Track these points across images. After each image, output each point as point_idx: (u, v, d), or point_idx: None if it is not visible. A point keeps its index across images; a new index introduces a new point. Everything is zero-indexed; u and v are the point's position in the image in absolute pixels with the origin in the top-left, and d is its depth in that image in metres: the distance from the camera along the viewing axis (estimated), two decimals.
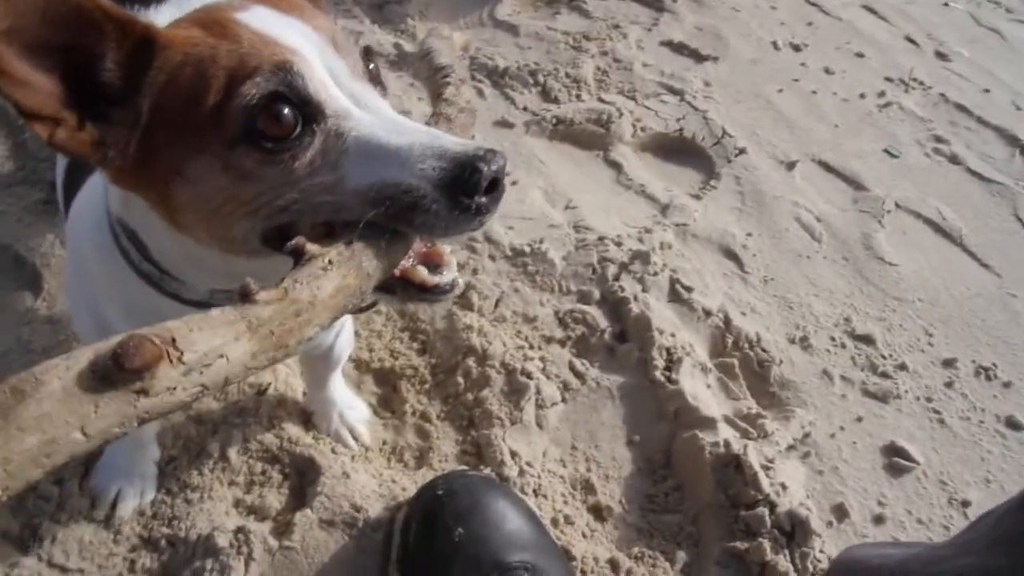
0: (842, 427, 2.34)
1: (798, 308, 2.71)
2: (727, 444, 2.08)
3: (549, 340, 2.39)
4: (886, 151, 3.62)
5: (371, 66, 1.21)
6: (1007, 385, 2.57)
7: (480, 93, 3.42)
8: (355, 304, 0.96)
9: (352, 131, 1.07)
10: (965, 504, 2.20)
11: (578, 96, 3.50)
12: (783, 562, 1.90)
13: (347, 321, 1.89)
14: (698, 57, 4.02)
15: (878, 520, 2.13)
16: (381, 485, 1.96)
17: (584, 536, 1.98)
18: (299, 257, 0.94)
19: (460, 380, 2.23)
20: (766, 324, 2.61)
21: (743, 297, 2.70)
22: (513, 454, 2.07)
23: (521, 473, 2.04)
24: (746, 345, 2.47)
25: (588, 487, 2.09)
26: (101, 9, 1.01)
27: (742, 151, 3.36)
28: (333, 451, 2.03)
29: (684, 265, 2.72)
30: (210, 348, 0.77)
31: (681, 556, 1.96)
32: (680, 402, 2.21)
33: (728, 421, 2.22)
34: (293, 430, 2.05)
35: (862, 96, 3.99)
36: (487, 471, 2.01)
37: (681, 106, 3.58)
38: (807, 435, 2.27)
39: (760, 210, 3.11)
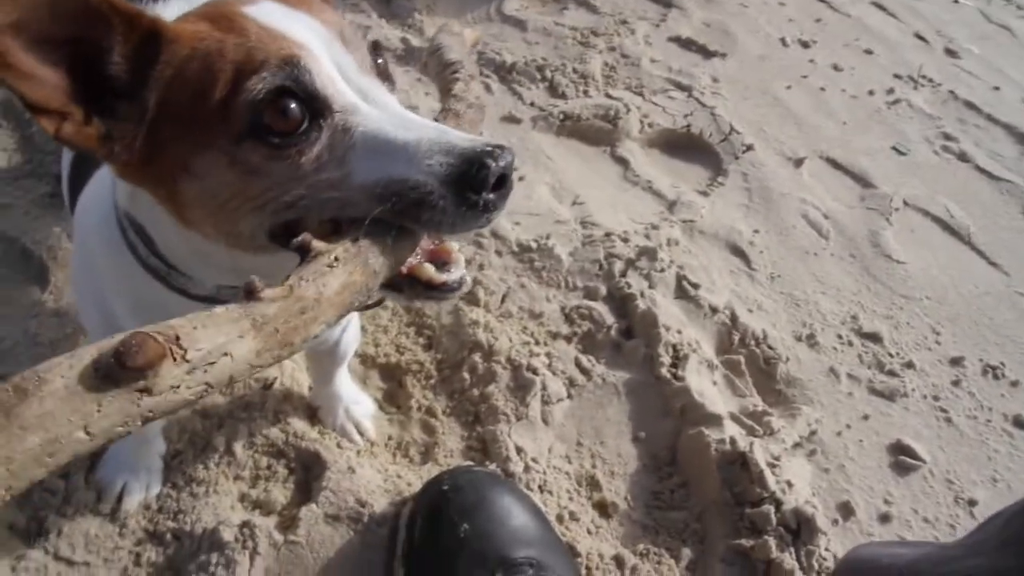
0: (848, 425, 2.33)
1: (805, 305, 2.70)
2: (733, 441, 2.08)
3: (555, 336, 2.38)
4: (894, 148, 3.61)
5: (379, 61, 1.21)
6: (1015, 384, 2.56)
7: (487, 88, 3.41)
8: (361, 301, 0.96)
9: (359, 126, 1.06)
10: (972, 503, 2.19)
11: (585, 92, 3.49)
12: (789, 560, 1.90)
13: (353, 316, 1.89)
14: (706, 53, 4.01)
15: (884, 518, 2.12)
16: (386, 480, 1.96)
17: (589, 532, 1.98)
18: (305, 254, 0.93)
19: (466, 376, 2.22)
20: (773, 321, 2.60)
21: (750, 294, 2.69)
22: (519, 450, 2.07)
23: (526, 469, 2.04)
24: (752, 342, 2.47)
25: (593, 483, 2.08)
26: (108, 3, 1.00)
27: (750, 148, 3.35)
28: (338, 446, 2.03)
29: (691, 262, 2.71)
30: (214, 346, 0.77)
31: (686, 553, 1.96)
32: (686, 399, 2.21)
33: (734, 418, 2.21)
34: (299, 425, 2.05)
35: (871, 93, 3.98)
36: (492, 467, 2.01)
37: (689, 102, 3.57)
38: (813, 433, 2.27)
39: (767, 207, 3.10)
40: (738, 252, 2.86)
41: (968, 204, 3.36)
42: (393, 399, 2.22)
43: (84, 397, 0.68)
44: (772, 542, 1.92)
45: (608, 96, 3.49)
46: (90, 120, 1.04)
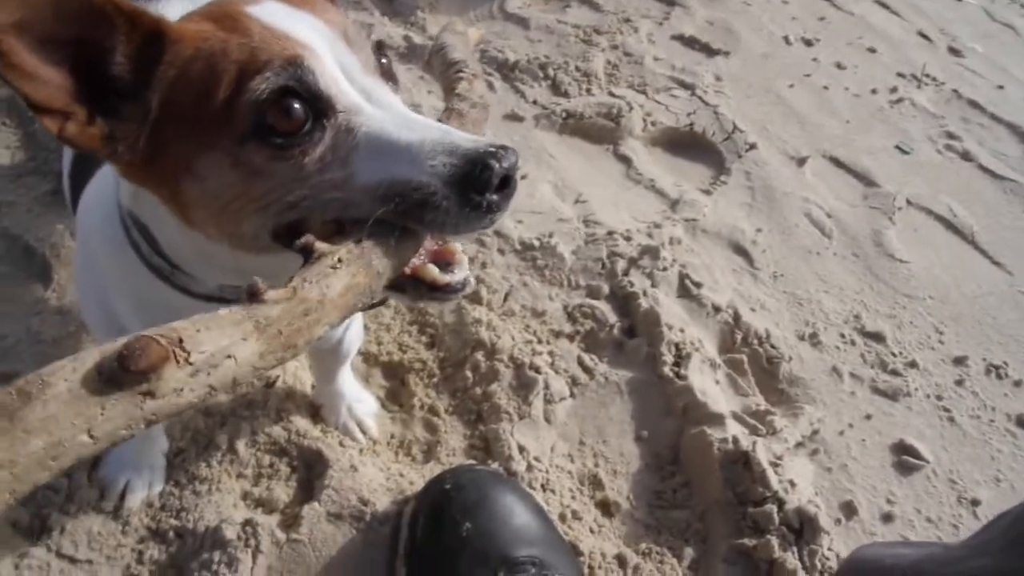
0: (851, 424, 2.33)
1: (808, 305, 2.70)
2: (735, 441, 2.08)
3: (558, 335, 2.38)
4: (897, 147, 3.60)
5: (383, 61, 1.21)
6: (1018, 384, 2.55)
7: (490, 86, 3.40)
8: (365, 303, 0.96)
9: (363, 127, 1.06)
10: (975, 503, 2.19)
11: (588, 90, 3.49)
12: (791, 559, 1.90)
13: (356, 315, 1.89)
14: (709, 51, 4.00)
15: (887, 518, 2.12)
16: (389, 479, 1.96)
17: (592, 531, 1.98)
18: (308, 255, 0.93)
19: (468, 374, 2.22)
20: (775, 320, 2.60)
21: (752, 293, 2.69)
22: (521, 449, 2.07)
23: (529, 468, 2.04)
24: (755, 341, 2.46)
25: (596, 482, 2.08)
26: (112, 3, 1.00)
27: (752, 146, 3.35)
28: (341, 444, 2.03)
29: (693, 260, 2.71)
30: (217, 348, 0.77)
31: (689, 552, 1.96)
32: (689, 398, 2.21)
33: (737, 418, 2.21)
34: (301, 423, 2.05)
35: (874, 92, 3.97)
36: (495, 465, 2.01)
37: (692, 101, 3.56)
38: (816, 432, 2.27)
39: (770, 206, 3.09)
40: (741, 251, 2.86)
41: (971, 203, 3.35)
42: (396, 397, 2.22)
43: (87, 400, 0.68)
44: (775, 542, 1.92)
45: (611, 94, 3.48)
46: (93, 120, 1.04)
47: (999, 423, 2.42)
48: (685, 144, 3.39)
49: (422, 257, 1.11)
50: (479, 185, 0.99)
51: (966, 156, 3.63)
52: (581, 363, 2.32)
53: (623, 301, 2.48)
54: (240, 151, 1.04)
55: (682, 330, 2.38)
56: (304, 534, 1.81)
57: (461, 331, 2.32)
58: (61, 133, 1.01)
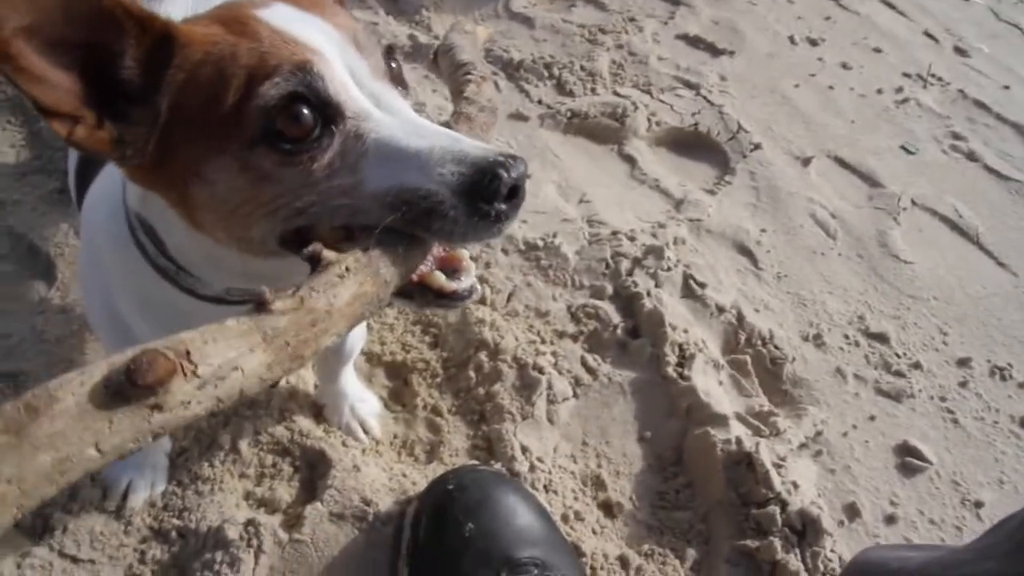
0: (855, 426, 2.32)
1: (812, 305, 2.69)
2: (739, 441, 2.08)
3: (561, 335, 2.38)
4: (903, 148, 3.59)
5: (393, 65, 1.20)
6: (1022, 385, 2.55)
7: (495, 86, 3.40)
8: (372, 311, 0.96)
9: (372, 133, 1.06)
10: (978, 505, 2.18)
11: (593, 89, 3.48)
12: (794, 561, 1.90)
13: None
14: (714, 51, 3.99)
15: (890, 520, 2.12)
16: (391, 479, 1.96)
17: (594, 532, 1.98)
18: (316, 264, 0.93)
19: (472, 374, 2.22)
20: (779, 321, 2.59)
21: (757, 294, 2.68)
22: (524, 449, 2.06)
23: (532, 468, 2.03)
24: (759, 342, 2.46)
25: (599, 483, 2.08)
26: (121, 6, 1.00)
27: (757, 146, 3.34)
28: (344, 444, 2.03)
29: (697, 261, 2.70)
30: (225, 360, 0.76)
31: (691, 554, 1.95)
32: (692, 399, 2.21)
33: (740, 418, 2.21)
34: (304, 423, 2.05)
35: (879, 92, 3.96)
36: (498, 466, 2.01)
37: (696, 100, 3.56)
38: (819, 433, 2.26)
39: (775, 206, 3.09)
40: (745, 251, 2.85)
41: (976, 204, 3.34)
42: (399, 397, 2.22)
43: (95, 415, 0.68)
44: (777, 543, 1.91)
45: (616, 94, 3.48)
46: (102, 124, 1.04)
47: (1003, 425, 2.41)
48: (690, 144, 3.39)
49: (429, 264, 1.11)
50: (488, 194, 0.99)
51: (971, 156, 3.62)
52: (584, 363, 2.31)
53: (627, 301, 2.48)
54: (249, 156, 1.04)
55: (686, 331, 2.38)
56: (306, 534, 1.81)
57: (464, 331, 2.31)
58: (70, 137, 1.01)
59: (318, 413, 2.11)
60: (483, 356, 2.24)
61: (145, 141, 1.07)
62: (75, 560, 1.77)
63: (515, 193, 1.01)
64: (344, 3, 1.33)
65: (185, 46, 1.06)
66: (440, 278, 1.11)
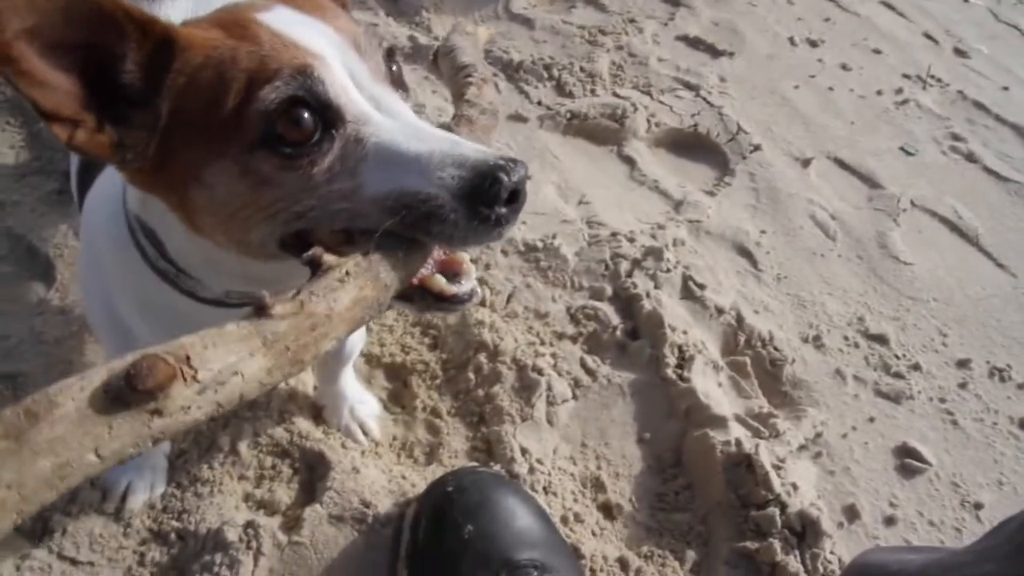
0: (854, 427, 2.32)
1: (811, 307, 2.69)
2: (738, 443, 2.08)
3: (561, 336, 2.38)
4: (902, 149, 3.60)
5: (393, 68, 1.20)
6: (1021, 387, 2.55)
7: (495, 87, 3.40)
8: (372, 316, 0.96)
9: (372, 137, 1.06)
10: (978, 506, 2.18)
11: (593, 91, 3.48)
12: (793, 563, 1.90)
13: None
14: (714, 52, 3.99)
15: (889, 521, 2.12)
16: (391, 481, 1.96)
17: (594, 534, 1.98)
18: (316, 268, 0.93)
19: (471, 376, 2.22)
20: (779, 322, 2.59)
21: (756, 295, 2.68)
22: (523, 451, 2.06)
23: (531, 470, 2.03)
24: (758, 343, 2.46)
25: (598, 485, 2.08)
26: (122, 9, 1.00)
27: (757, 148, 3.34)
28: (343, 446, 2.03)
29: (697, 262, 2.70)
30: (224, 365, 0.76)
31: (691, 555, 1.95)
32: (691, 400, 2.21)
33: (739, 420, 2.21)
34: (303, 424, 2.05)
35: (879, 93, 3.96)
36: (497, 468, 2.01)
37: (696, 102, 3.56)
38: (819, 435, 2.26)
39: (774, 207, 3.09)
40: (744, 253, 2.85)
41: (976, 205, 3.34)
42: (398, 399, 2.22)
43: (95, 420, 0.68)
44: (777, 545, 1.91)
45: (615, 95, 3.48)
46: (102, 127, 1.04)
47: (1002, 426, 2.41)
48: (689, 145, 3.39)
49: (429, 267, 1.11)
50: (488, 198, 0.99)
51: (971, 158, 3.62)
52: (584, 365, 2.31)
53: (626, 303, 2.48)
54: (249, 160, 1.04)
55: (685, 332, 2.38)
56: (306, 536, 1.81)
57: (464, 333, 2.31)
58: (70, 141, 1.01)
59: (317, 415, 2.11)
60: (482, 358, 2.24)
61: (145, 145, 1.07)
62: (74, 562, 1.77)
63: (515, 197, 1.01)
64: (347, 6, 1.33)
65: (186, 50, 1.06)
66: (440, 281, 1.11)
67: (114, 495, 1.87)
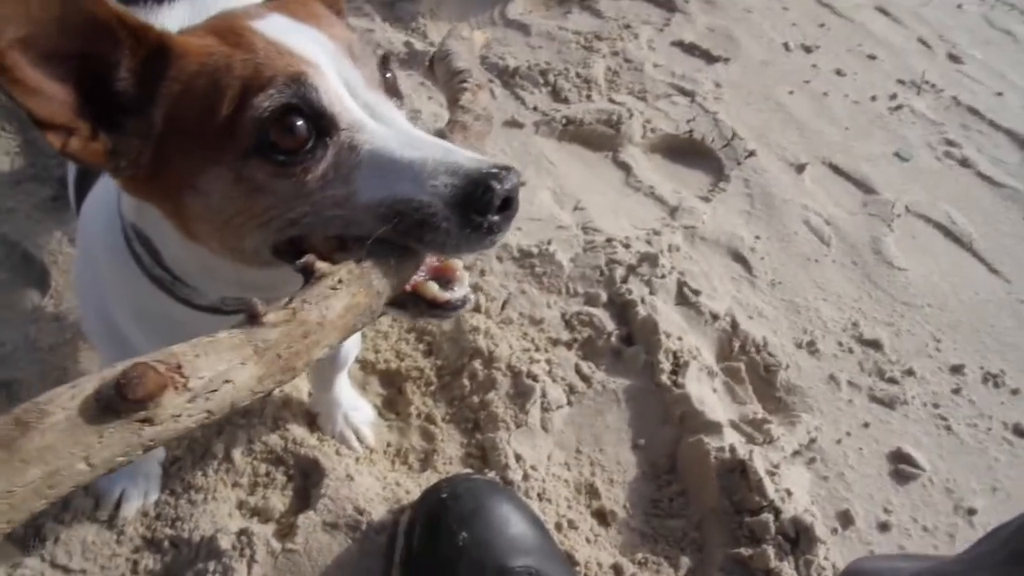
0: (848, 433, 2.33)
1: (806, 312, 2.70)
2: (732, 449, 2.08)
3: (555, 342, 2.38)
4: (896, 154, 3.60)
5: (388, 75, 1.21)
6: (1015, 392, 2.55)
7: (490, 93, 3.40)
8: (365, 323, 0.96)
9: (366, 144, 1.06)
10: (971, 512, 2.19)
11: (588, 96, 3.49)
12: (787, 569, 1.90)
13: None
14: (709, 58, 4.00)
15: (883, 527, 2.12)
16: (385, 488, 1.96)
17: (588, 541, 1.98)
18: (308, 275, 0.93)
19: (466, 382, 2.22)
20: (773, 328, 2.60)
21: (751, 301, 2.69)
22: (518, 457, 2.06)
23: (525, 477, 2.04)
24: (753, 349, 2.46)
25: (592, 491, 2.08)
26: (117, 17, 1.00)
27: (752, 153, 3.35)
28: (337, 453, 2.03)
29: (692, 268, 2.71)
30: (216, 374, 0.77)
31: (685, 562, 1.95)
32: (686, 406, 2.21)
33: (734, 426, 2.21)
34: (298, 431, 2.05)
35: (873, 99, 3.97)
36: (491, 474, 2.01)
37: (691, 107, 3.56)
38: (813, 441, 2.27)
39: (769, 213, 3.09)
40: (739, 258, 2.86)
41: (970, 210, 3.35)
42: (392, 406, 2.22)
43: (85, 429, 0.68)
44: (771, 551, 1.92)
45: (611, 101, 3.48)
46: (96, 135, 1.04)
47: (996, 431, 2.42)
48: (684, 151, 3.39)
49: (422, 274, 1.11)
50: (480, 206, 0.99)
51: (965, 163, 3.63)
52: (579, 371, 2.32)
53: (621, 309, 2.48)
54: (243, 167, 1.04)
55: (680, 338, 2.38)
56: (300, 543, 1.81)
57: (459, 339, 2.31)
58: (64, 148, 1.01)
59: (312, 422, 2.11)
60: (477, 364, 2.24)
61: (139, 152, 1.07)
62: (67, 570, 1.77)
63: (508, 205, 1.01)
64: (342, 13, 1.33)
65: (180, 57, 1.06)
66: (433, 288, 1.11)
67: (107, 502, 1.87)
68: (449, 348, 2.32)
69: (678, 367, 2.31)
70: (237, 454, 1.97)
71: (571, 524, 1.98)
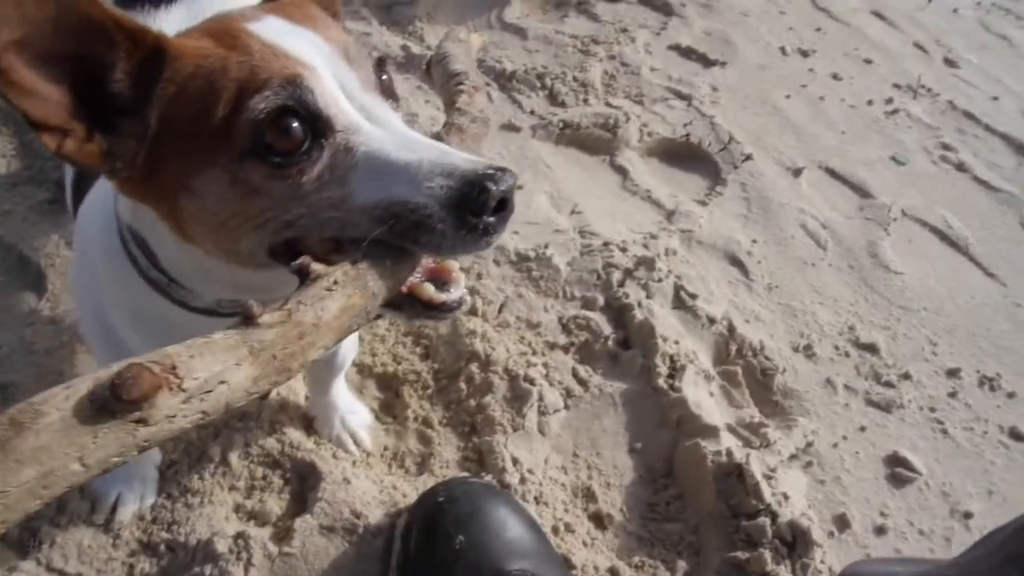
0: (845, 436, 2.33)
1: (802, 316, 2.70)
2: (729, 453, 2.08)
3: (552, 346, 2.38)
4: (893, 158, 3.61)
5: (384, 78, 1.21)
6: (1011, 396, 2.55)
7: (487, 96, 3.40)
8: (360, 324, 0.96)
9: (361, 146, 1.06)
10: (967, 516, 2.19)
11: (585, 100, 3.49)
12: (784, 573, 1.90)
13: None
14: (706, 62, 4.00)
15: (880, 531, 2.12)
16: (382, 491, 1.95)
17: (585, 544, 1.98)
18: (304, 277, 0.93)
19: (463, 386, 2.22)
20: (770, 332, 2.60)
21: (747, 304, 2.69)
22: (515, 461, 2.07)
23: (522, 480, 2.04)
24: (749, 353, 2.46)
25: (589, 495, 2.08)
26: (112, 19, 1.00)
27: (748, 157, 3.35)
28: (334, 456, 2.03)
29: (689, 272, 2.71)
30: (211, 374, 0.76)
31: (682, 565, 1.96)
32: (683, 410, 2.21)
33: (730, 430, 2.21)
34: (295, 435, 2.05)
35: (870, 103, 3.98)
36: (488, 478, 2.01)
37: (688, 111, 3.56)
38: (809, 444, 2.27)
39: (766, 217, 3.10)
40: (736, 262, 2.86)
41: (966, 215, 3.35)
42: (389, 409, 2.22)
43: (80, 429, 0.68)
44: (767, 555, 1.92)
45: (608, 105, 3.48)
46: (92, 137, 1.04)
47: (992, 435, 2.42)
48: (681, 155, 3.39)
49: (419, 275, 1.11)
50: (476, 208, 0.99)
51: (961, 167, 3.63)
52: (575, 375, 2.32)
53: (618, 312, 2.48)
54: (238, 169, 1.04)
55: (676, 342, 2.38)
56: (296, 547, 1.81)
57: (456, 343, 2.31)
58: (59, 150, 1.01)
59: (309, 425, 2.11)
60: (474, 368, 2.24)
61: (135, 154, 1.07)
62: (63, 574, 1.76)
63: (503, 206, 1.01)
64: (339, 16, 1.33)
65: (176, 59, 1.06)
66: (429, 289, 1.11)
67: (104, 506, 1.86)
68: (446, 352, 2.32)
69: (675, 371, 2.31)
70: (234, 457, 1.97)
71: (568, 528, 1.98)
